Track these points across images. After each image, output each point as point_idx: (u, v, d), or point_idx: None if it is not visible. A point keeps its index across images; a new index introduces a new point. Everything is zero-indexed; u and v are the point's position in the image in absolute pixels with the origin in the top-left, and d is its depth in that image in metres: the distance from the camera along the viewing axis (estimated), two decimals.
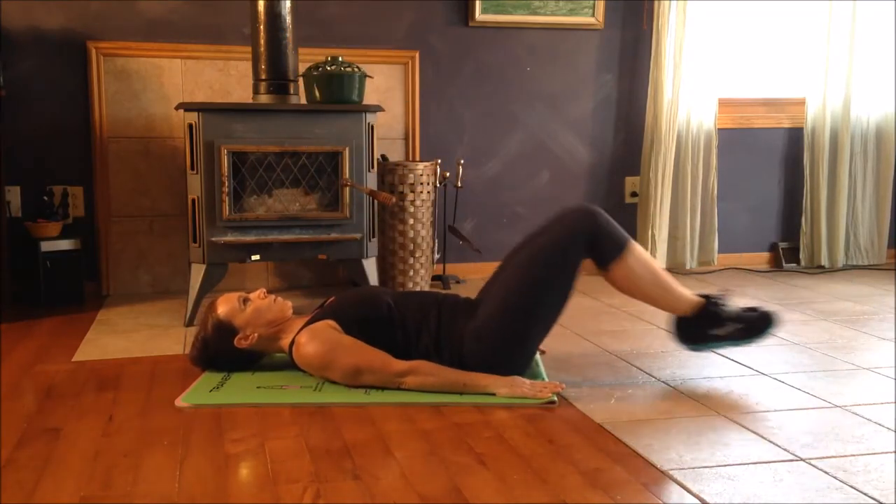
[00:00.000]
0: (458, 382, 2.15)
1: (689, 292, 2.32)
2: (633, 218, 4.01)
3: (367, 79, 3.29)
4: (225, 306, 2.32)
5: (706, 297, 2.32)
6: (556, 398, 2.12)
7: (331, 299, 2.44)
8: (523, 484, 1.65)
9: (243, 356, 2.34)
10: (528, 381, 2.17)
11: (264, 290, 2.39)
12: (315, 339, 2.22)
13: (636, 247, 2.25)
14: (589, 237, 2.20)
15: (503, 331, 2.20)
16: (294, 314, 2.39)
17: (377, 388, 2.18)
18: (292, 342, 2.27)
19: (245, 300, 2.33)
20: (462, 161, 3.73)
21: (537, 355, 2.48)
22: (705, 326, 2.31)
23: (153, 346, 2.71)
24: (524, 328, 2.21)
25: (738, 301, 2.37)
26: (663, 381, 2.32)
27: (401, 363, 2.18)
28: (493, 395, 2.13)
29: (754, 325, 2.30)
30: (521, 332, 2.21)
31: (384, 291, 2.49)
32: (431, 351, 2.24)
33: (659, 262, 2.27)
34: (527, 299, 2.20)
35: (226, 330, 2.30)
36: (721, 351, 2.62)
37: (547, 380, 2.28)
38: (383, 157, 3.57)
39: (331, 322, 2.25)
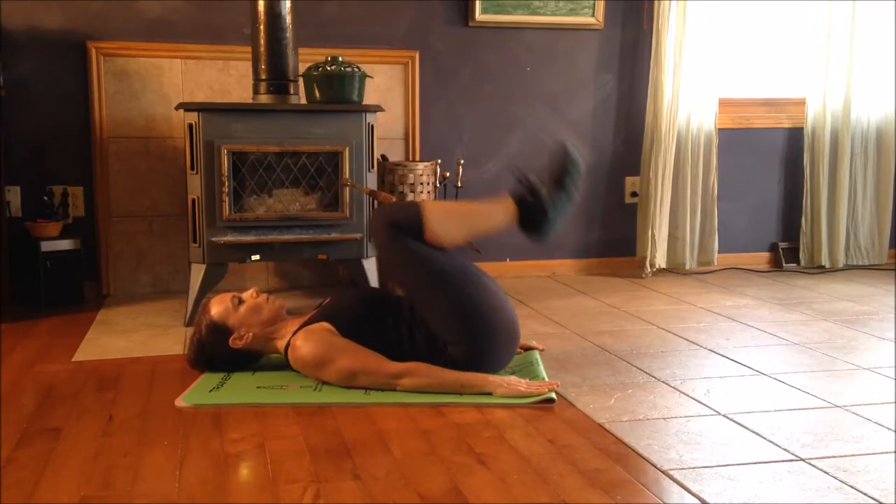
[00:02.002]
0: (454, 383, 2.15)
1: (499, 204, 2.33)
2: (633, 218, 4.01)
3: (367, 79, 3.29)
4: (218, 307, 2.32)
5: (512, 196, 2.33)
6: (554, 396, 2.12)
7: (326, 300, 2.44)
8: (523, 484, 1.65)
9: (240, 356, 2.34)
10: (524, 381, 2.17)
11: (257, 289, 2.39)
12: (310, 342, 2.22)
13: (429, 208, 2.27)
14: (394, 229, 2.24)
15: (450, 320, 2.23)
16: (290, 314, 2.39)
17: (374, 389, 2.18)
18: (288, 344, 2.27)
19: (238, 300, 2.33)
20: (462, 161, 3.73)
21: (536, 354, 2.49)
22: (536, 216, 2.31)
23: (153, 346, 2.71)
24: (447, 300, 2.24)
25: (536, 175, 2.36)
26: (663, 381, 2.32)
27: (396, 365, 2.18)
28: (490, 394, 2.13)
29: (558, 169, 2.34)
30: (454, 312, 2.23)
31: (380, 293, 2.49)
32: (426, 352, 2.24)
33: (456, 203, 2.32)
34: (426, 292, 2.26)
35: (220, 331, 2.30)
36: (721, 351, 2.62)
37: (546, 378, 2.28)
38: (383, 157, 3.57)
39: (326, 324, 2.25)
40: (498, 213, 2.33)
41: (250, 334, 2.30)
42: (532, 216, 2.31)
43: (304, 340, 2.22)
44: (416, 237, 2.25)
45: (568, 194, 2.34)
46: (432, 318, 2.25)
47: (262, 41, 3.05)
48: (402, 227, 2.24)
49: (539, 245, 2.32)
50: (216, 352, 2.31)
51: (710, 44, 3.89)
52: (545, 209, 2.30)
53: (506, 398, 2.11)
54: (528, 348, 2.56)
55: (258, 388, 2.22)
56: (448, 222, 2.28)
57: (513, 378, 2.19)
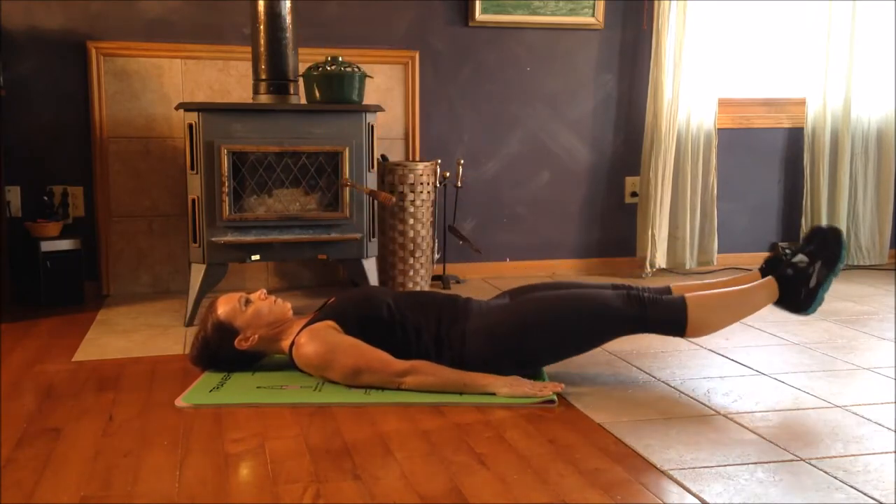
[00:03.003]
0: (458, 382, 2.15)
1: (759, 281, 2.32)
2: (633, 218, 4.01)
3: (367, 79, 3.29)
4: (225, 307, 2.32)
5: (769, 267, 2.32)
6: (555, 398, 2.12)
7: (331, 300, 2.44)
8: (523, 484, 1.65)
9: (243, 357, 2.34)
10: (528, 381, 2.17)
11: (265, 290, 2.39)
12: (315, 340, 2.22)
13: (690, 302, 2.24)
14: (637, 326, 2.24)
15: (516, 344, 2.23)
16: (294, 315, 2.39)
17: (377, 388, 2.18)
18: (292, 343, 2.27)
19: (246, 301, 2.33)
20: (462, 161, 3.73)
21: None
22: (799, 291, 2.30)
23: (153, 346, 2.71)
24: (537, 351, 2.26)
25: (791, 246, 2.37)
26: (663, 381, 2.32)
27: (400, 363, 2.18)
28: (494, 394, 2.13)
29: (829, 252, 2.28)
30: (534, 353, 2.26)
31: (384, 291, 2.49)
32: (431, 351, 2.24)
33: (714, 283, 2.31)
34: (552, 334, 2.24)
35: (226, 331, 2.30)
36: (721, 351, 2.62)
37: (547, 380, 2.28)
38: (383, 157, 3.57)
39: (330, 323, 2.25)
40: (761, 296, 2.30)
41: (256, 336, 2.30)
42: (796, 293, 2.30)
43: (309, 339, 2.22)
44: (670, 333, 2.26)
45: (834, 276, 2.32)
46: (497, 334, 2.23)
47: (262, 41, 3.05)
48: (655, 328, 2.24)
49: (803, 315, 2.34)
50: (221, 351, 2.31)
51: (710, 44, 3.89)
52: (812, 288, 2.29)
53: (509, 398, 2.11)
54: None
55: (258, 388, 2.22)
56: (711, 317, 2.25)
57: (517, 378, 2.19)
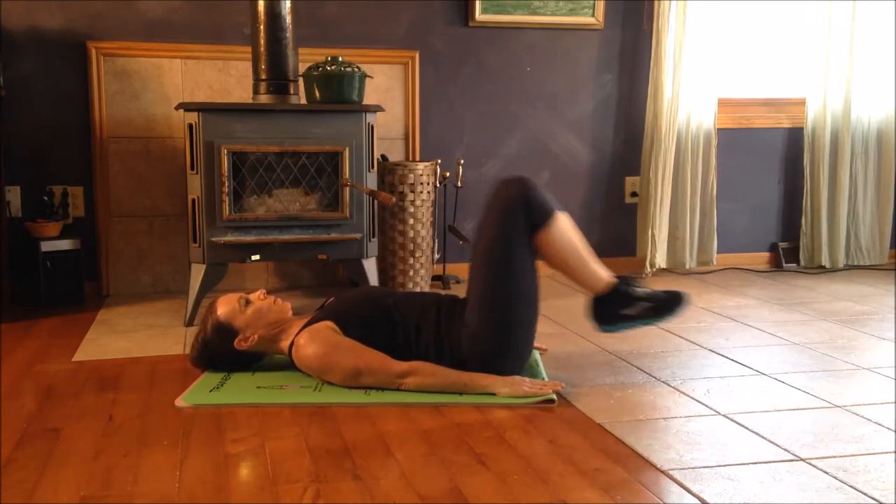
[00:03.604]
0: (458, 382, 2.15)
1: (606, 273, 2.30)
2: (633, 218, 4.01)
3: (367, 79, 3.29)
4: (225, 307, 2.32)
5: (620, 277, 2.31)
6: (555, 397, 2.12)
7: (330, 300, 2.44)
8: (523, 484, 1.65)
9: (243, 357, 2.34)
10: (527, 380, 2.17)
11: (264, 290, 2.39)
12: (314, 341, 2.22)
13: (562, 219, 2.24)
14: (523, 205, 2.20)
15: (491, 325, 2.20)
16: (293, 315, 2.39)
17: (377, 389, 2.18)
18: (292, 343, 2.27)
19: (245, 301, 2.33)
20: (462, 161, 3.73)
21: (537, 355, 2.49)
22: (617, 306, 2.28)
23: (153, 346, 2.71)
24: (508, 317, 2.21)
25: (653, 286, 2.36)
26: (663, 381, 2.32)
27: (400, 364, 2.18)
28: (494, 394, 2.13)
29: (663, 304, 2.27)
30: (509, 321, 2.21)
31: (384, 292, 2.49)
32: (431, 351, 2.24)
33: (583, 239, 2.28)
34: (496, 290, 2.21)
35: (226, 331, 2.30)
36: (721, 351, 2.62)
37: (547, 379, 2.28)
38: (383, 157, 3.57)
39: (330, 323, 2.25)
40: (599, 276, 2.29)
41: (255, 336, 2.30)
42: (615, 305, 2.29)
43: (308, 339, 2.22)
44: (529, 229, 2.21)
45: (648, 324, 2.31)
46: (476, 330, 2.21)
47: (262, 41, 3.05)
48: (530, 208, 2.19)
49: (595, 327, 2.33)
50: (220, 352, 2.31)
51: (710, 44, 3.89)
52: (629, 316, 2.28)
53: (509, 398, 2.11)
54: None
55: (258, 388, 2.22)
56: (566, 241, 2.24)
57: (516, 378, 2.19)
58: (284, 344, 2.31)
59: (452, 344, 2.24)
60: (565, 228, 2.24)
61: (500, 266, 2.21)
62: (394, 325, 2.27)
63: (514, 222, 2.21)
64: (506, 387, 2.13)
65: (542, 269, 2.27)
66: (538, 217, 2.20)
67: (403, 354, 2.21)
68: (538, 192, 2.23)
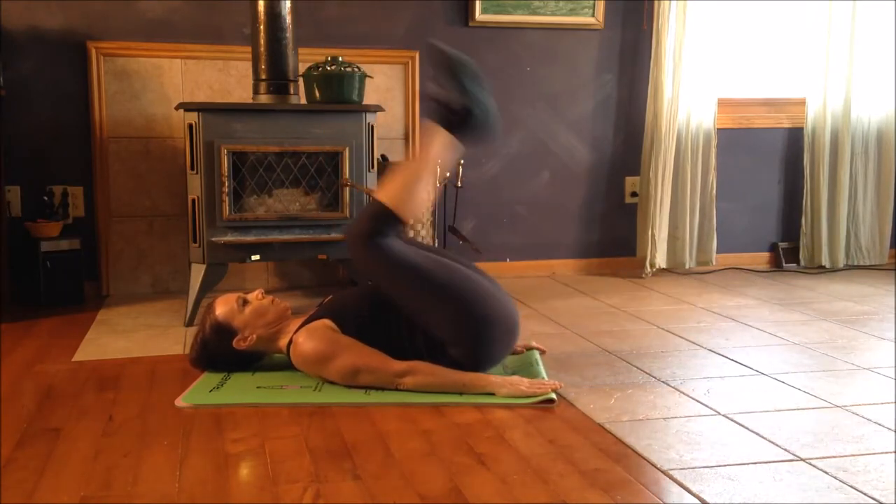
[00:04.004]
0: (457, 382, 2.15)
1: (432, 141, 2.26)
2: (633, 218, 4.01)
3: (367, 79, 3.29)
4: (223, 307, 2.32)
5: (437, 122, 2.27)
6: (554, 396, 2.12)
7: (328, 298, 2.44)
8: (523, 484, 1.65)
9: (242, 357, 2.34)
10: (526, 380, 2.18)
11: (262, 290, 2.39)
12: (312, 339, 2.22)
13: (388, 196, 2.21)
14: (373, 240, 2.20)
15: (450, 322, 2.20)
16: (292, 314, 2.39)
17: (376, 388, 2.18)
18: (290, 342, 2.27)
19: (244, 301, 2.33)
20: (462, 161, 3.73)
21: (536, 354, 2.49)
22: (467, 123, 2.23)
23: (153, 346, 2.71)
24: (456, 303, 2.21)
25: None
26: (663, 381, 2.32)
27: (399, 363, 2.17)
28: (493, 394, 2.13)
29: (453, 78, 2.20)
30: (458, 306, 2.21)
31: (381, 291, 2.49)
32: (424, 350, 2.23)
33: (401, 175, 2.27)
34: (408, 292, 2.23)
35: (224, 331, 2.30)
36: (721, 351, 2.62)
37: (546, 378, 2.28)
38: (383, 157, 3.57)
39: (328, 321, 2.25)
40: (438, 147, 2.26)
41: (254, 336, 2.30)
42: (463, 125, 2.23)
43: (307, 338, 2.22)
44: (398, 231, 2.23)
45: (474, 89, 2.22)
46: (427, 320, 2.22)
47: (262, 41, 3.05)
48: (381, 231, 2.19)
49: (481, 145, 2.25)
50: (219, 352, 2.31)
51: (710, 44, 3.89)
52: (468, 112, 2.21)
53: (508, 398, 2.11)
54: (529, 348, 2.56)
55: (258, 388, 2.22)
56: (409, 193, 2.22)
57: (515, 378, 2.19)
58: (283, 343, 2.31)
59: (440, 345, 2.23)
60: (395, 193, 2.22)
61: (402, 279, 2.22)
62: (389, 323, 2.26)
63: (380, 251, 2.20)
64: (504, 387, 2.13)
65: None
66: (388, 221, 2.21)
67: (398, 353, 2.21)
68: (365, 219, 2.24)
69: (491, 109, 2.26)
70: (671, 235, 3.98)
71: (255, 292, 2.38)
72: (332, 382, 2.22)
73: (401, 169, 2.31)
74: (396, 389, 2.16)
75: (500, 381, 2.15)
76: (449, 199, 3.77)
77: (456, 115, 2.23)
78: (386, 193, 2.24)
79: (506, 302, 2.31)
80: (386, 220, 2.20)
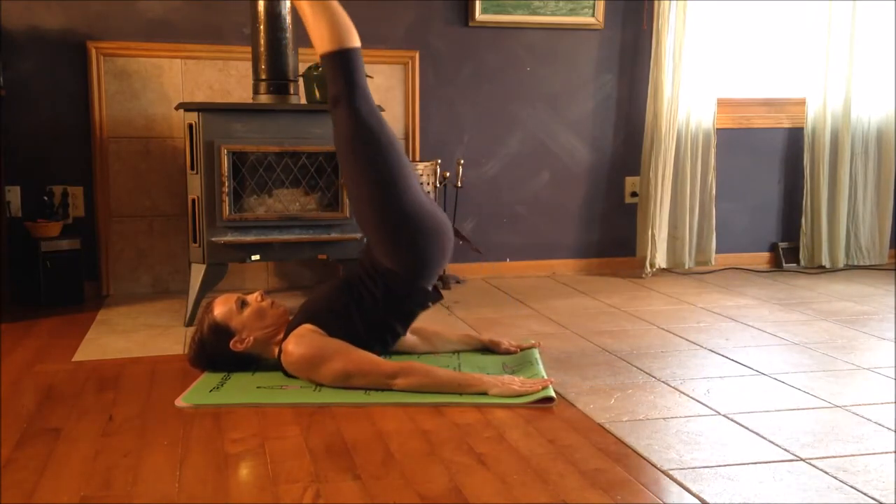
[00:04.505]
0: (451, 382, 2.16)
1: None
2: (633, 218, 4.01)
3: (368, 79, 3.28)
4: (222, 308, 2.31)
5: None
6: (554, 395, 2.12)
7: (305, 301, 2.44)
8: (523, 484, 1.65)
9: (240, 358, 2.33)
10: (517, 379, 2.19)
11: (262, 292, 2.39)
12: (301, 346, 2.21)
13: (328, 39, 2.31)
14: (347, 83, 2.30)
15: (372, 219, 2.30)
16: (291, 317, 2.39)
17: (373, 389, 2.18)
18: (280, 349, 2.27)
19: (243, 302, 2.33)
20: (462, 161, 3.73)
21: (536, 353, 2.49)
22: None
23: (153, 346, 2.71)
24: (376, 200, 2.29)
25: None
26: (663, 381, 2.32)
27: (390, 364, 2.18)
28: (485, 393, 2.13)
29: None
30: (381, 204, 2.29)
31: (349, 275, 2.48)
32: (392, 309, 2.32)
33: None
34: (357, 183, 2.31)
35: (222, 332, 2.30)
36: (721, 351, 2.62)
37: (545, 377, 2.28)
38: None
39: (311, 326, 2.25)
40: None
41: (251, 338, 2.30)
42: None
43: (295, 346, 2.22)
44: (361, 67, 2.32)
45: None
46: (364, 213, 2.31)
47: (262, 41, 3.05)
48: (354, 81, 2.29)
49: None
50: (216, 353, 2.31)
51: (710, 44, 3.89)
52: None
53: (501, 397, 2.11)
54: (524, 348, 2.56)
55: (258, 388, 2.22)
56: (333, 24, 2.32)
57: (507, 377, 2.20)
58: (275, 350, 2.31)
59: (378, 281, 2.31)
60: (324, 27, 2.32)
61: (352, 164, 2.31)
62: (364, 304, 2.30)
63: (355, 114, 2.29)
64: (496, 387, 2.14)
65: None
66: (347, 63, 2.30)
67: (380, 324, 2.30)
68: (330, 84, 2.32)
69: None
70: (671, 235, 3.98)
71: (255, 294, 2.37)
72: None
73: (307, 18, 2.36)
74: (390, 390, 2.16)
75: (493, 380, 2.16)
76: (449, 199, 3.78)
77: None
78: (321, 45, 2.31)
79: (440, 212, 2.41)
80: (345, 62, 2.27)
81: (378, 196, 2.28)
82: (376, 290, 2.30)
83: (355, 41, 2.30)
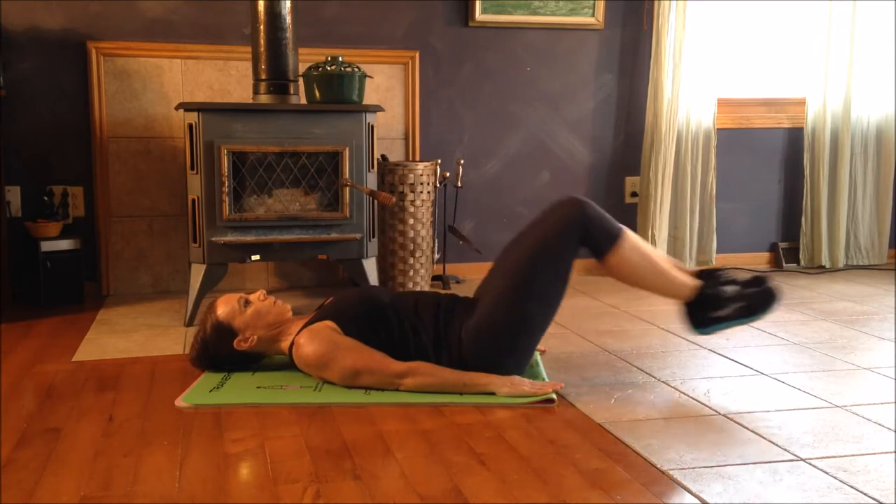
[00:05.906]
0: (457, 382, 2.15)
1: (687, 277, 2.29)
2: (633, 218, 4.01)
3: (367, 79, 3.29)
4: (224, 308, 2.32)
5: (705, 275, 2.29)
6: (554, 397, 2.12)
7: (329, 300, 2.44)
8: (523, 484, 1.65)
9: (243, 357, 2.33)
10: (527, 380, 2.17)
11: (264, 291, 2.39)
12: (314, 340, 2.22)
13: (630, 236, 2.24)
14: (581, 228, 2.20)
15: (501, 328, 2.20)
16: (293, 315, 2.39)
17: (376, 389, 2.18)
18: (292, 343, 2.27)
19: (245, 302, 2.33)
20: (462, 161, 3.73)
21: (537, 355, 2.49)
22: (708, 310, 2.27)
23: (153, 346, 2.71)
24: (522, 324, 2.21)
25: (740, 275, 2.34)
26: (663, 381, 2.32)
27: (399, 364, 2.17)
28: (493, 394, 2.13)
29: (756, 303, 2.24)
30: (520, 329, 2.21)
31: (383, 291, 2.49)
32: (430, 351, 2.23)
33: (657, 250, 2.24)
34: (522, 296, 2.20)
35: (225, 331, 2.30)
36: (721, 351, 2.62)
37: (547, 379, 2.28)
38: (383, 157, 3.57)
39: (329, 323, 2.25)
40: (681, 284, 2.27)
41: (255, 337, 2.30)
42: (705, 309, 2.27)
43: (308, 339, 2.22)
44: (595, 250, 2.22)
45: (744, 323, 2.27)
46: (483, 329, 2.20)
47: (262, 41, 3.05)
48: (590, 231, 2.20)
49: (692, 331, 2.32)
50: (219, 352, 2.31)
51: (710, 44, 3.89)
52: (721, 318, 2.26)
53: (509, 398, 2.11)
54: None
55: (258, 388, 2.22)
56: (639, 257, 2.23)
57: (516, 378, 2.19)
58: (284, 344, 2.31)
59: (451, 344, 2.23)
60: (634, 247, 2.23)
61: (534, 283, 2.20)
62: (391, 324, 2.26)
63: (567, 245, 2.21)
64: (505, 386, 2.13)
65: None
66: (603, 240, 2.21)
67: (401, 354, 2.21)
68: (597, 214, 2.23)
69: (725, 330, 2.32)
70: (671, 235, 3.98)
71: (257, 293, 2.37)
72: (332, 383, 2.22)
73: (656, 253, 2.32)
74: (397, 390, 2.16)
75: (502, 380, 2.15)
76: (449, 199, 3.78)
77: (704, 315, 2.28)
78: (634, 236, 2.27)
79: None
80: (606, 234, 2.21)
81: (528, 308, 2.21)
82: (427, 337, 2.24)
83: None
